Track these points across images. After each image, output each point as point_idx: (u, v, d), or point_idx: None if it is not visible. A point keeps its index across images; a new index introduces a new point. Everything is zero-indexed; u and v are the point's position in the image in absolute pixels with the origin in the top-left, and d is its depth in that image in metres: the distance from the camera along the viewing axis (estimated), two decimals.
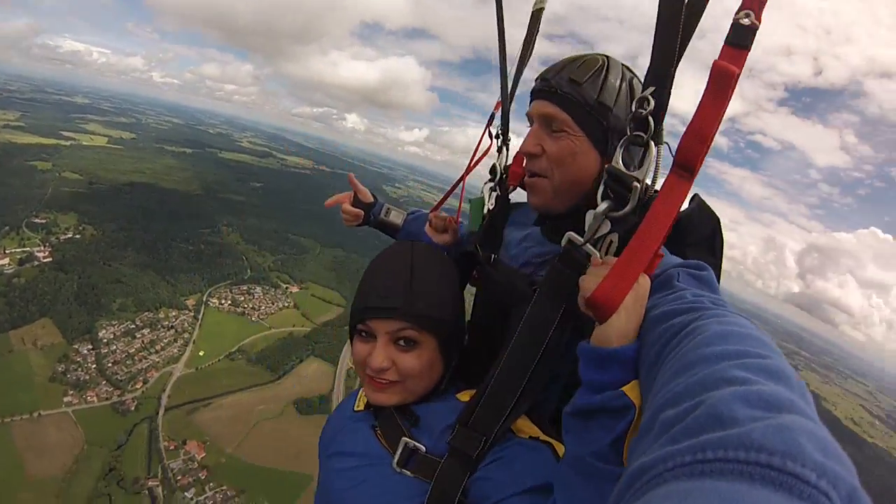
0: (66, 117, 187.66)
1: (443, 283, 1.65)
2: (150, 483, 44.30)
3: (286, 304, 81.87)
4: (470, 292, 2.06)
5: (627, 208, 1.23)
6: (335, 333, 75.22)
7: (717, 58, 1.05)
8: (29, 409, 48.12)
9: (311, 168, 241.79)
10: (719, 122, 1.06)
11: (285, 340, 70.88)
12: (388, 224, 2.59)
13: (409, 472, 1.39)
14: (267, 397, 59.01)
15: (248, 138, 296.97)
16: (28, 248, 69.87)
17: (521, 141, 2.05)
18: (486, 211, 2.19)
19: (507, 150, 2.23)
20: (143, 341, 61.35)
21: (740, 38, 1.06)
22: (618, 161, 1.27)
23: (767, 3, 1.06)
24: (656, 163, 1.22)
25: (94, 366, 55.40)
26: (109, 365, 56.09)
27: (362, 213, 2.56)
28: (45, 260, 67.72)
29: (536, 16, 2.06)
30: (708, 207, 1.54)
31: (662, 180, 1.17)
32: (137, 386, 55.19)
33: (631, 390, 1.01)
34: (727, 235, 1.56)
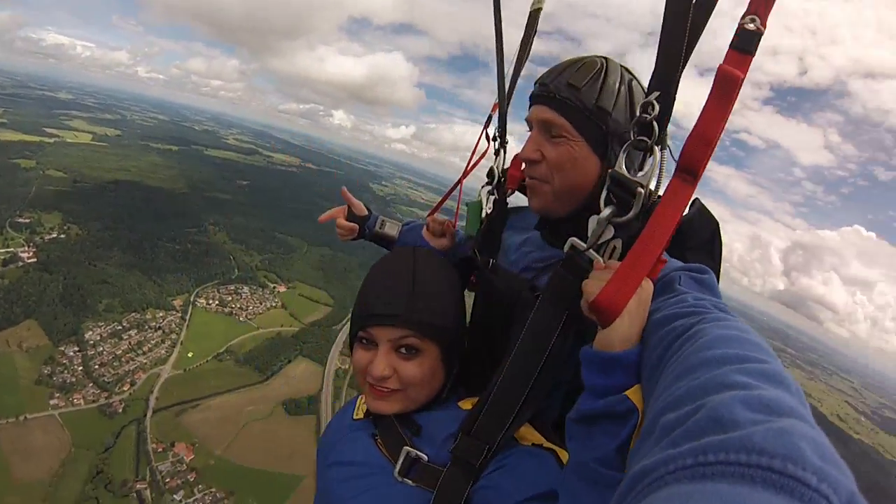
0: (50, 113, 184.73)
1: (445, 290, 1.65)
2: (138, 486, 43.97)
3: (274, 304, 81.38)
4: (468, 296, 2.02)
5: (631, 213, 1.23)
6: (323, 333, 75.20)
7: (721, 62, 1.04)
8: (14, 412, 47.52)
9: (297, 165, 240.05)
10: (723, 127, 1.05)
11: (273, 341, 70.51)
12: (383, 236, 2.55)
13: (410, 482, 1.39)
14: (255, 398, 58.68)
15: (235, 135, 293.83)
16: (12, 249, 68.79)
17: (518, 143, 2.10)
18: (483, 215, 2.19)
19: (505, 152, 2.23)
20: (130, 342, 60.73)
21: (745, 43, 1.05)
22: (621, 166, 1.27)
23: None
24: (661, 168, 1.21)
25: (80, 368, 54.80)
26: (96, 367, 55.54)
27: (357, 226, 2.52)
28: (29, 260, 66.81)
29: (534, 16, 2.07)
30: (708, 212, 1.55)
31: (663, 184, 1.18)
32: (125, 388, 54.67)
33: (634, 394, 1.01)
34: None
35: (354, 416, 1.73)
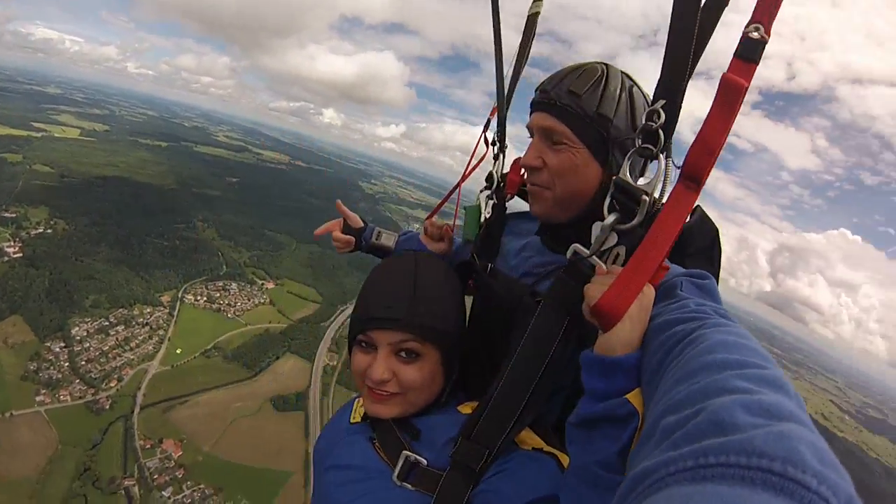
0: (38, 108, 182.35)
1: (447, 294, 1.63)
2: (126, 483, 43.64)
3: (262, 301, 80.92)
4: (466, 300, 1.96)
5: (635, 221, 1.24)
6: (311, 330, 74.99)
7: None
8: (0, 409, 46.98)
9: (287, 163, 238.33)
10: (727, 135, 1.06)
11: (261, 337, 70.19)
12: (380, 247, 2.52)
13: (409, 486, 1.39)
14: (243, 394, 58.43)
15: (224, 132, 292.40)
16: None
17: (514, 145, 2.15)
18: (482, 219, 2.19)
19: (504, 157, 2.23)
20: (117, 339, 60.14)
21: (750, 52, 1.06)
22: (625, 173, 1.29)
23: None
24: (665, 176, 1.22)
25: (66, 364, 54.22)
26: (83, 363, 54.99)
27: (353, 239, 2.49)
28: (15, 255, 65.85)
29: (532, 20, 2.08)
30: (709, 219, 1.57)
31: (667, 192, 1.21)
32: (112, 384, 54.21)
33: (634, 398, 1.01)
34: None
35: (352, 420, 1.73)
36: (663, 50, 1.17)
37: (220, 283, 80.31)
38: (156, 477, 44.97)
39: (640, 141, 1.27)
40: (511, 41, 2.11)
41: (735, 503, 0.48)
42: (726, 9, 1.15)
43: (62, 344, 56.27)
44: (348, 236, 2.49)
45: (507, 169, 2.16)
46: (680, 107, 1.20)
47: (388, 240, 2.54)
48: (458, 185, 2.62)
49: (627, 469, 0.92)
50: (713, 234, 1.57)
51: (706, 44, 1.15)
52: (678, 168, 1.16)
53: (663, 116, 1.21)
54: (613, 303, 1.08)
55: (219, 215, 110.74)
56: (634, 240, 1.19)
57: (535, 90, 1.66)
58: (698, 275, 1.25)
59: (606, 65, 1.59)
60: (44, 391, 50.35)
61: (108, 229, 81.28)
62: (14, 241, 68.89)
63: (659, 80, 1.22)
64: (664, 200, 1.19)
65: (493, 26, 2.10)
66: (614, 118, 1.51)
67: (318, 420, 57.33)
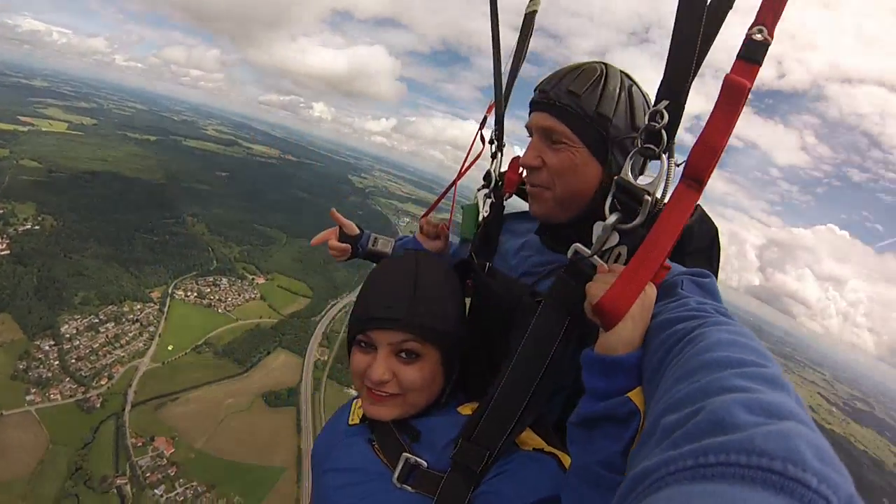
0: (24, 101, 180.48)
1: (447, 295, 1.61)
2: (118, 481, 43.53)
3: (253, 296, 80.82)
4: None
5: (637, 220, 1.25)
6: (302, 325, 75.05)
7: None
8: None
9: (277, 157, 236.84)
10: (729, 135, 1.06)
11: (252, 332, 70.15)
12: (376, 254, 2.52)
13: (410, 488, 1.37)
14: (235, 390, 58.41)
15: (214, 126, 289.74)
16: None
17: (511, 142, 2.16)
18: (480, 218, 2.18)
19: (502, 155, 2.22)
20: (107, 336, 59.84)
21: (753, 53, 1.06)
22: (627, 173, 1.29)
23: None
24: (668, 176, 1.22)
25: (56, 362, 53.90)
26: (73, 361, 54.67)
27: (349, 246, 2.49)
28: (2, 252, 65.23)
29: (530, 18, 2.07)
30: (709, 218, 1.58)
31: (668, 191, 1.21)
32: (102, 382, 54.01)
33: (636, 396, 1.01)
34: None
35: (350, 422, 1.71)
36: (654, 47, 1.17)
37: (211, 279, 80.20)
38: (148, 475, 44.86)
39: (642, 141, 1.27)
40: (506, 38, 2.12)
41: (735, 502, 0.48)
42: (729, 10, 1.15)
43: (52, 342, 55.87)
44: (345, 244, 2.50)
45: (504, 167, 2.16)
46: (683, 108, 1.20)
47: (385, 246, 2.55)
48: (454, 182, 2.61)
49: (628, 468, 0.91)
50: (713, 233, 1.60)
51: (711, 44, 1.16)
52: (677, 166, 1.17)
53: (667, 117, 1.21)
54: (616, 301, 1.08)
55: (209, 210, 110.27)
56: (636, 239, 1.19)
57: (534, 90, 1.67)
58: (699, 273, 1.25)
59: (605, 64, 1.60)
60: (34, 390, 50.01)
61: (96, 225, 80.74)
62: (1, 238, 68.18)
63: (662, 81, 1.22)
64: (666, 200, 1.19)
65: (492, 26, 2.11)
66: (614, 118, 1.52)
67: (309, 415, 57.31)
